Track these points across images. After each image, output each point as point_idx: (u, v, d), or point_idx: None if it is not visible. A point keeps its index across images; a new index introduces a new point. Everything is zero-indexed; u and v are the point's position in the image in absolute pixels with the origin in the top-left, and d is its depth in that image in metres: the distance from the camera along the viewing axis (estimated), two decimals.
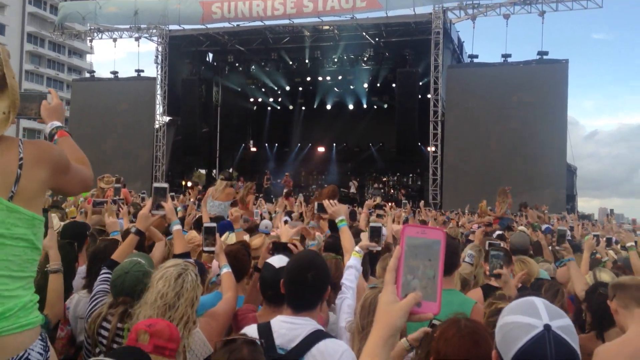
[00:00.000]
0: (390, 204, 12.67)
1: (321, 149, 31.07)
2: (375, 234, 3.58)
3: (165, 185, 3.60)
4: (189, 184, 22.45)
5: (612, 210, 14.05)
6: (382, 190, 26.30)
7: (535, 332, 1.38)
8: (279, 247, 3.30)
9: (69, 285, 3.40)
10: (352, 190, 23.71)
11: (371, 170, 29.03)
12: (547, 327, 1.38)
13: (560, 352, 1.35)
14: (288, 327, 2.37)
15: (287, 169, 29.59)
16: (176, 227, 3.55)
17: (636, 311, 2.71)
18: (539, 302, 1.47)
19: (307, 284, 2.43)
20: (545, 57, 20.50)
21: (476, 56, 21.92)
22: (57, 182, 2.00)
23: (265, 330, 2.40)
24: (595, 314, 3.26)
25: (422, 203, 12.76)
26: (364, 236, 3.51)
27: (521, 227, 8.25)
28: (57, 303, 3.12)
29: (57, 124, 2.30)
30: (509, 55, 20.87)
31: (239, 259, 3.58)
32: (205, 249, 3.48)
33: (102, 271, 3.25)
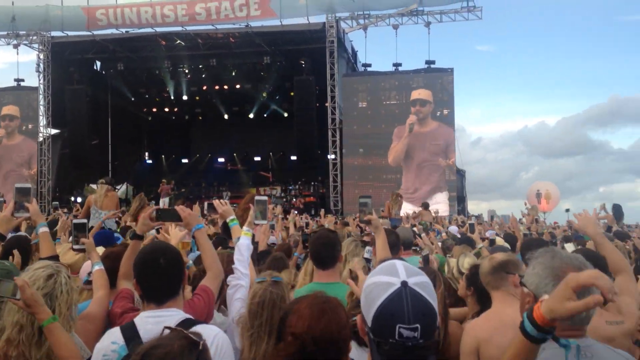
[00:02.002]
0: (293, 212, 12.88)
1: (221, 159, 30.58)
2: (262, 206, 3.54)
3: (29, 185, 3.37)
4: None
5: (492, 217, 15.23)
6: (284, 199, 26.33)
7: (393, 289, 1.39)
8: (163, 213, 3.10)
9: None
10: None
11: (273, 179, 29.01)
12: (404, 284, 1.39)
13: (417, 306, 1.37)
14: (154, 322, 2.22)
15: (186, 180, 28.83)
16: (42, 230, 3.33)
17: (493, 293, 2.93)
18: (399, 263, 1.49)
19: (160, 268, 2.30)
20: (432, 66, 21.55)
21: (369, 65, 22.65)
22: None
23: (130, 330, 2.26)
24: (480, 295, 3.39)
25: (322, 211, 13.06)
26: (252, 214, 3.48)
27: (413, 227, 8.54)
28: None
29: None
30: (400, 64, 21.80)
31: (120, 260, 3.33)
32: (75, 247, 3.23)
33: None
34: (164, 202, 19.18)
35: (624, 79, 59.80)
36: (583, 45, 62.16)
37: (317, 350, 1.77)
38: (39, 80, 22.92)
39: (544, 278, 1.83)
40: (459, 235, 8.21)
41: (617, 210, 9.27)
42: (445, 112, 21.37)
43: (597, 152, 56.37)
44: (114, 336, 2.27)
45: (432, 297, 1.40)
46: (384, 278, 1.43)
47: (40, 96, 22.95)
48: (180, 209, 3.05)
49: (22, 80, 23.82)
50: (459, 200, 21.91)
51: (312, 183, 27.74)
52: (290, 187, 28.11)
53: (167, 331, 1.78)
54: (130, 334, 2.22)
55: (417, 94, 21.36)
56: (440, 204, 19.75)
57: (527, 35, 62.28)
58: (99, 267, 3.04)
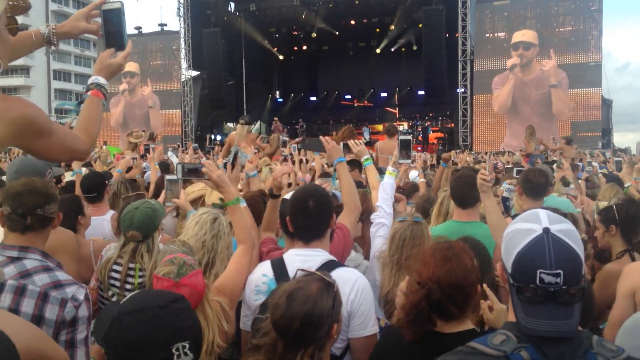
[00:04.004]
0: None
1: (348, 96, 30.72)
2: (406, 147, 3.55)
3: (176, 177, 3.50)
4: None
5: None
6: (412, 135, 25.98)
7: (534, 235, 1.38)
8: (310, 142, 3.30)
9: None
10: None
11: (400, 115, 28.65)
12: (545, 230, 1.38)
13: (559, 252, 1.35)
14: (301, 260, 2.39)
15: (314, 117, 29.48)
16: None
17: None
18: (542, 211, 1.47)
19: (309, 211, 2.42)
20: None
21: None
22: (23, 143, 1.77)
23: (279, 265, 2.45)
24: (626, 231, 3.19)
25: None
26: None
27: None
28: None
29: (100, 80, 2.05)
30: None
31: (255, 205, 3.44)
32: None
33: None
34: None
35: None
36: None
37: (443, 296, 1.85)
38: (179, 23, 24.36)
39: None
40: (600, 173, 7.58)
41: None
42: (592, 35, 19.29)
43: None
44: (265, 269, 2.48)
45: (576, 244, 1.36)
46: (526, 225, 1.42)
47: (182, 39, 24.45)
48: (325, 140, 3.20)
49: (165, 24, 25.61)
50: (603, 133, 20.19)
51: (440, 118, 26.96)
52: (418, 123, 27.58)
53: (300, 273, 1.97)
54: (280, 268, 2.41)
55: (521, 35, 19.66)
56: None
57: None
58: (243, 204, 3.28)
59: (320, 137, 3.24)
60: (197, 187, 4.22)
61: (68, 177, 5.29)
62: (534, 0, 20.10)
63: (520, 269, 1.38)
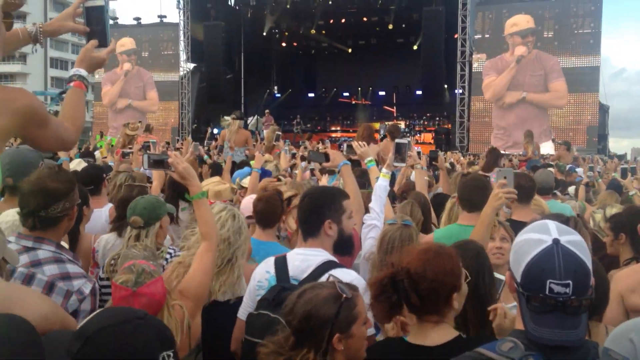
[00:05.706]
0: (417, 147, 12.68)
1: (346, 93, 30.72)
2: (400, 150, 3.57)
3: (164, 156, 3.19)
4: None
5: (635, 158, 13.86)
6: (408, 134, 26.00)
7: (544, 245, 1.41)
8: (313, 155, 3.41)
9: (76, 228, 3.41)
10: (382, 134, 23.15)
11: (397, 113, 28.67)
12: (555, 241, 1.40)
13: (568, 263, 1.37)
14: (301, 259, 2.44)
15: (311, 114, 29.47)
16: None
17: None
18: (551, 222, 1.49)
19: (302, 206, 2.53)
20: None
21: None
22: (26, 133, 1.82)
23: (281, 263, 2.49)
24: (635, 239, 3.22)
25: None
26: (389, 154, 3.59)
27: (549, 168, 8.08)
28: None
29: (82, 72, 2.08)
30: None
31: (272, 204, 3.45)
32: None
33: None
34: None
35: None
36: None
37: (407, 281, 1.82)
38: (179, 16, 24.24)
39: None
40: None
41: None
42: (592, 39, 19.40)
43: None
44: (269, 266, 2.53)
45: (585, 255, 1.39)
46: (535, 235, 1.44)
47: (181, 32, 24.34)
48: (331, 151, 3.30)
49: (165, 16, 25.45)
50: (600, 138, 20.27)
51: (438, 118, 26.98)
52: (414, 122, 27.59)
53: (332, 278, 2.04)
54: (281, 266, 2.46)
55: (526, 22, 19.57)
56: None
57: None
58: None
59: (327, 150, 3.34)
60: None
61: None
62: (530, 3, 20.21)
63: (529, 279, 1.41)
